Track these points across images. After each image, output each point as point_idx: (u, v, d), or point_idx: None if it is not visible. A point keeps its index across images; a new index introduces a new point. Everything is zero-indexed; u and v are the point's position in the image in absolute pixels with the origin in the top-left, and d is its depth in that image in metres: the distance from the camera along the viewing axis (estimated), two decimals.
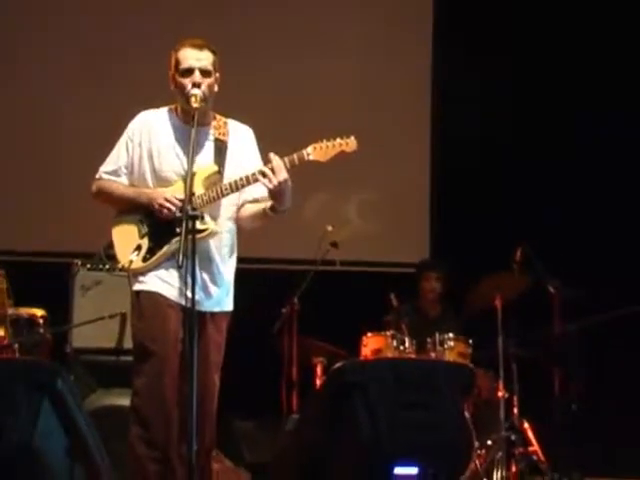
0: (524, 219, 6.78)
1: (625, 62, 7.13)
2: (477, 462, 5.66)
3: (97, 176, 4.28)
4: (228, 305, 4.24)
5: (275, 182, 3.95)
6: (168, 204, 4.05)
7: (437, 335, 6.03)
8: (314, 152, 4.02)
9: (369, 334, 6.09)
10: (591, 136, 7.04)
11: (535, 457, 5.94)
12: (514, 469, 5.85)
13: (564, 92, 7.17)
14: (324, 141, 4.05)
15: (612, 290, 6.38)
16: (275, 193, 4.00)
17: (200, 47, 4.12)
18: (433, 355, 5.97)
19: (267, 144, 4.27)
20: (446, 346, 6.00)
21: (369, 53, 7.28)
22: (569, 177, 7.01)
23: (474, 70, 7.04)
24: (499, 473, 5.77)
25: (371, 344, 6.05)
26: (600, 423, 6.44)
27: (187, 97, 4.05)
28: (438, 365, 5.56)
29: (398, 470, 4.71)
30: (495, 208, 6.96)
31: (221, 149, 4.16)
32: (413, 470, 4.73)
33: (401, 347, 5.97)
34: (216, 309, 4.18)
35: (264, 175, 3.98)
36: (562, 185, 7.01)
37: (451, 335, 6.05)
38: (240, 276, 4.28)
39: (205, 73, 4.09)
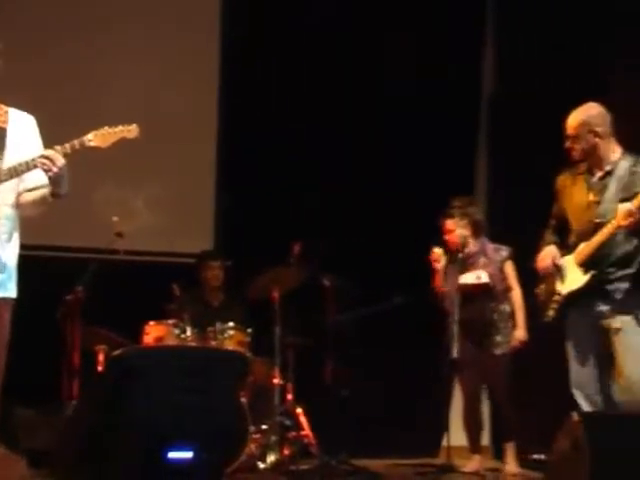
0: (305, 213, 6.99)
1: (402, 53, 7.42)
2: (252, 446, 5.83)
3: None
4: (10, 291, 4.15)
5: (55, 168, 4.00)
6: None
7: (218, 324, 6.17)
8: (95, 138, 4.05)
9: (151, 323, 6.15)
10: (370, 130, 7.34)
11: (307, 440, 6.20)
12: (287, 452, 6.07)
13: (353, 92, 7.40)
14: (105, 128, 4.10)
15: (381, 283, 6.70)
16: (55, 178, 4.03)
17: None
18: (214, 343, 6.09)
19: (54, 134, 4.29)
20: (226, 335, 6.14)
21: (159, 51, 7.27)
22: (349, 176, 7.28)
23: (264, 67, 7.21)
24: (272, 456, 5.99)
25: (153, 332, 6.13)
26: (366, 407, 6.74)
27: None
28: (214, 353, 5.76)
29: (172, 454, 4.80)
30: (277, 204, 7.13)
31: (0, 136, 4.12)
32: (187, 454, 4.87)
33: (182, 335, 6.06)
34: None
35: (44, 161, 4.00)
36: (341, 184, 7.26)
37: (231, 324, 6.20)
38: (25, 263, 4.23)
39: None
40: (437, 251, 6.17)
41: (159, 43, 7.30)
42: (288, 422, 6.16)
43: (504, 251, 6.18)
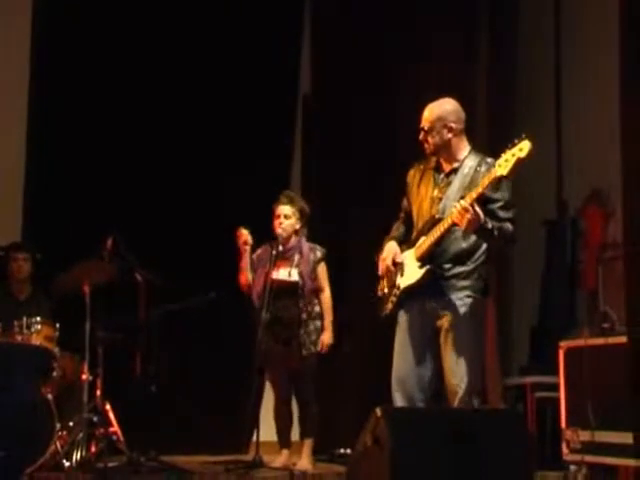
0: (118, 208, 6.87)
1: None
2: (58, 443, 5.70)
3: None
4: None
5: None
6: None
7: (25, 318, 5.97)
8: None
9: None
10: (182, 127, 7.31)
11: (115, 437, 6.10)
12: (94, 449, 5.95)
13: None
14: None
15: (195, 279, 6.67)
16: None
17: None
18: (19, 338, 5.89)
19: None
20: (33, 329, 5.96)
21: None
22: (164, 169, 7.23)
23: (77, 54, 7.09)
24: (78, 453, 5.85)
25: None
26: (178, 404, 6.74)
27: None
28: (15, 347, 5.61)
29: None
30: (90, 195, 6.99)
31: None
32: None
33: None
34: None
35: None
36: (155, 177, 7.20)
37: (38, 319, 6.02)
38: None
39: None
40: (244, 231, 6.05)
41: None
42: (96, 418, 6.03)
43: (319, 252, 6.19)
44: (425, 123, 4.70)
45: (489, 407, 6.02)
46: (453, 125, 4.68)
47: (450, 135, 4.68)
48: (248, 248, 6.07)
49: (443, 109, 4.69)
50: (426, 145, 4.72)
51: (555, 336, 6.05)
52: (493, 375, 6.43)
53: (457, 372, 4.60)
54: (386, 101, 6.96)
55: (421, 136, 4.71)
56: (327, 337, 6.11)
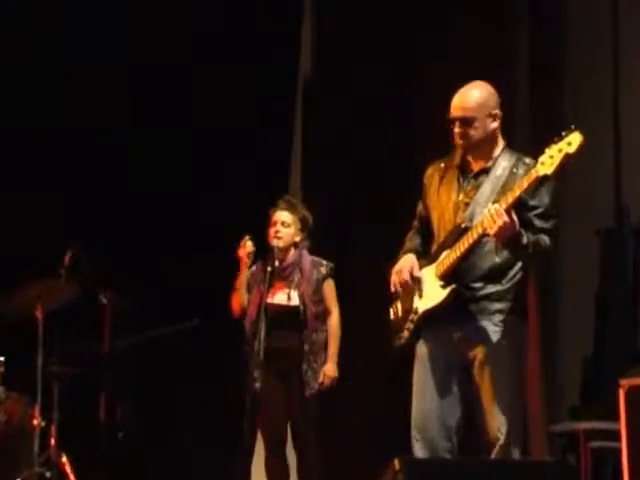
0: (79, 215, 6.41)
1: None
2: None
3: None
4: None
5: None
6: None
7: None
8: None
9: None
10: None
11: None
12: None
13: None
14: None
15: (171, 301, 6.24)
16: None
17: None
18: None
19: None
20: None
21: None
22: (122, 178, 6.72)
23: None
24: None
25: None
26: (151, 453, 6.25)
27: None
28: None
29: None
30: (45, 200, 6.49)
31: None
32: None
33: None
34: None
35: None
36: (117, 187, 6.67)
37: None
38: None
39: None
40: (249, 242, 5.42)
41: None
42: (49, 474, 5.56)
43: (324, 267, 5.55)
44: (465, 112, 4.12)
45: (533, 459, 5.44)
46: (497, 112, 4.16)
47: (495, 124, 4.16)
48: (249, 263, 5.46)
49: (484, 93, 4.15)
50: (462, 140, 4.12)
51: (614, 371, 5.45)
52: (536, 419, 5.88)
53: (497, 414, 4.11)
54: (396, 85, 6.50)
55: (457, 129, 4.10)
56: (330, 369, 5.45)
